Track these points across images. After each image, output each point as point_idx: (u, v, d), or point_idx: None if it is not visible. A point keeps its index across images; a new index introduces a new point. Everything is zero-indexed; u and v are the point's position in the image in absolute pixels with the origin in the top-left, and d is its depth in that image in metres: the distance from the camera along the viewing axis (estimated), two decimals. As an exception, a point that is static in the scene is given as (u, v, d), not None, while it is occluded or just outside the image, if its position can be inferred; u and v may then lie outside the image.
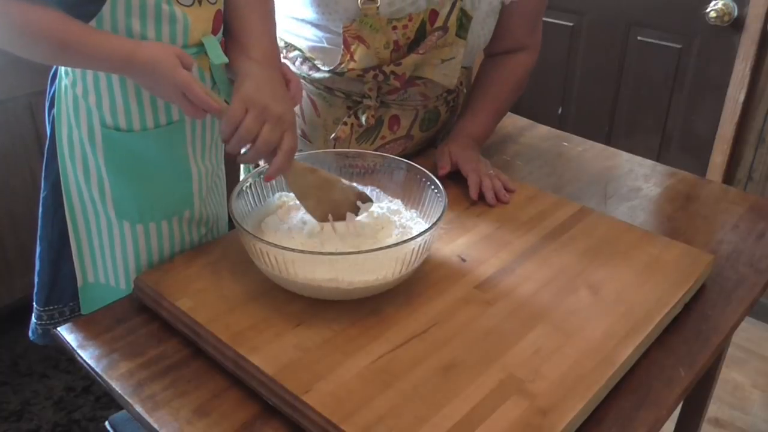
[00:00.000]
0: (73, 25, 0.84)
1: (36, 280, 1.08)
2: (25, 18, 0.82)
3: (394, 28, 1.16)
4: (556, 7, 2.38)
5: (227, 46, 1.01)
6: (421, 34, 1.19)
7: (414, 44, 1.20)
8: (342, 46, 1.18)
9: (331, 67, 1.22)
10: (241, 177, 1.44)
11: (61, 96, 0.96)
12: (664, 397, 0.85)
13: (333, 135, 1.25)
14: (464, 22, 1.20)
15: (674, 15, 2.20)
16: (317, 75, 1.24)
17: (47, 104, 1.00)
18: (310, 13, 1.21)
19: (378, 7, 1.14)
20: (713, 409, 1.99)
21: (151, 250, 1.05)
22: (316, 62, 1.24)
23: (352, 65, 1.19)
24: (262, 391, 0.81)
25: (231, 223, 1.09)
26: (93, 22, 0.87)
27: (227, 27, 1.01)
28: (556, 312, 0.92)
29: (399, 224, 1.00)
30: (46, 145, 1.01)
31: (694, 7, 2.14)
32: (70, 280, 1.06)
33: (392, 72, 1.20)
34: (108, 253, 1.04)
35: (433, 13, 1.17)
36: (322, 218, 0.97)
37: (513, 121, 1.58)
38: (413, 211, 1.04)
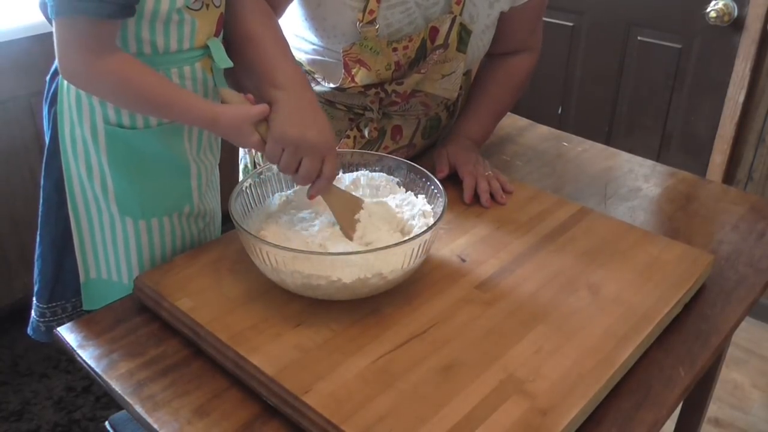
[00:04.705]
0: (165, 88, 0.92)
1: (37, 278, 1.08)
2: (127, 84, 0.89)
3: (395, 49, 1.15)
4: (556, 7, 2.38)
5: (245, 77, 1.02)
6: (421, 53, 1.18)
7: (415, 62, 1.19)
8: (342, 67, 1.17)
9: (332, 85, 1.21)
10: (240, 177, 1.44)
11: (63, 94, 0.97)
12: (664, 397, 0.85)
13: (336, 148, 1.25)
14: (464, 36, 1.20)
15: (674, 15, 2.20)
16: (318, 88, 1.23)
17: (47, 102, 1.00)
18: (309, 35, 1.20)
19: (377, 29, 1.13)
20: (713, 409, 1.99)
21: (153, 245, 1.06)
22: (316, 76, 1.24)
23: (352, 85, 1.19)
24: (262, 392, 0.81)
25: (224, 218, 1.09)
26: None
27: (243, 59, 1.01)
28: (556, 312, 0.92)
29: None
30: (47, 143, 1.01)
31: (694, 7, 2.14)
32: (72, 276, 1.06)
33: (394, 91, 1.20)
34: (110, 249, 1.05)
35: (434, 30, 1.17)
36: (351, 236, 0.97)
37: (513, 121, 1.58)
38: (420, 197, 1.04)
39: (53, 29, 0.87)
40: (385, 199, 1.04)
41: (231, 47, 1.02)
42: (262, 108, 0.93)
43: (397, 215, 1.00)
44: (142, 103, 0.92)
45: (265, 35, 1.01)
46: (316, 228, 0.98)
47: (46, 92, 1.01)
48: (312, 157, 0.94)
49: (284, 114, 0.94)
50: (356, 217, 0.98)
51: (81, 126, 0.97)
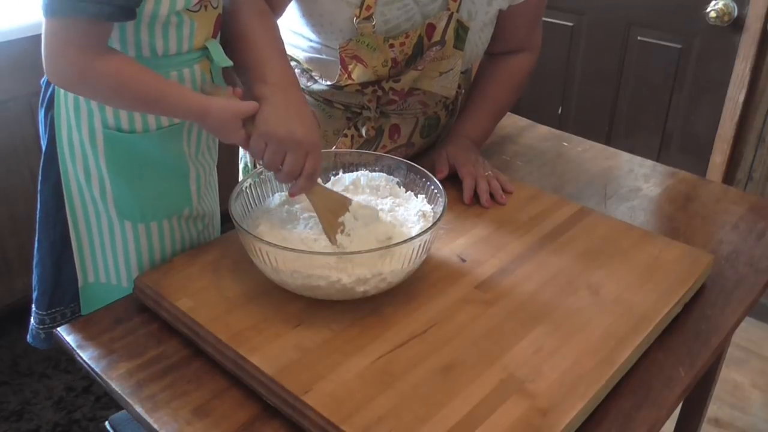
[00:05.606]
0: (158, 83, 0.91)
1: (36, 285, 1.07)
2: (123, 85, 0.89)
3: (392, 46, 1.15)
4: (556, 7, 2.38)
5: (238, 75, 1.03)
6: (418, 49, 1.18)
7: (412, 59, 1.19)
8: (339, 64, 1.17)
9: (329, 82, 1.21)
10: (240, 177, 1.44)
11: (60, 98, 0.96)
12: (664, 397, 0.85)
13: (333, 148, 1.25)
14: (461, 33, 1.19)
15: (674, 15, 2.20)
16: (316, 87, 1.24)
17: (43, 106, 1.00)
18: (307, 32, 1.20)
19: (374, 26, 1.14)
20: (713, 409, 1.99)
21: (153, 248, 1.05)
22: (313, 74, 1.24)
23: (349, 82, 1.19)
24: (262, 392, 0.81)
25: (224, 219, 1.09)
26: None
27: (236, 56, 1.01)
28: (556, 312, 0.92)
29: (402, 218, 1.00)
30: (44, 147, 1.01)
31: (694, 7, 2.14)
32: (71, 281, 1.06)
33: (391, 88, 1.20)
34: (109, 253, 1.05)
35: (430, 27, 1.17)
36: (333, 239, 0.95)
37: (513, 121, 1.58)
38: (420, 197, 1.04)
39: (43, 30, 0.84)
40: (375, 202, 1.02)
41: (227, 47, 1.01)
42: (252, 105, 0.93)
43: (384, 222, 0.97)
44: (137, 102, 0.91)
45: (259, 32, 1.01)
46: (302, 225, 0.97)
47: (41, 97, 1.00)
48: (296, 154, 0.93)
49: (270, 110, 0.94)
50: (340, 219, 0.96)
51: (79, 130, 0.97)
